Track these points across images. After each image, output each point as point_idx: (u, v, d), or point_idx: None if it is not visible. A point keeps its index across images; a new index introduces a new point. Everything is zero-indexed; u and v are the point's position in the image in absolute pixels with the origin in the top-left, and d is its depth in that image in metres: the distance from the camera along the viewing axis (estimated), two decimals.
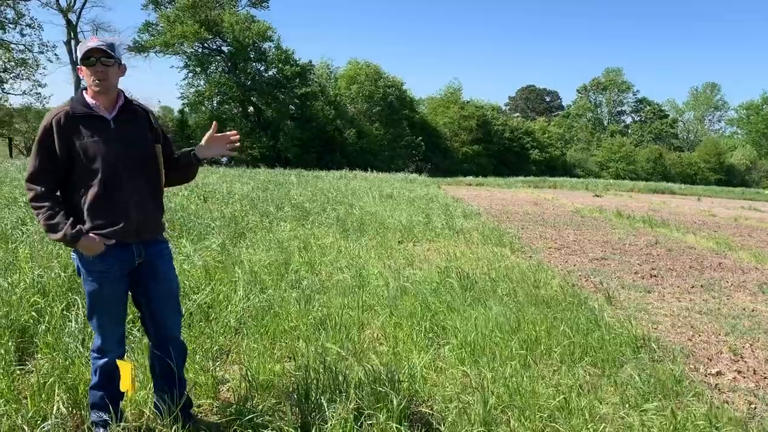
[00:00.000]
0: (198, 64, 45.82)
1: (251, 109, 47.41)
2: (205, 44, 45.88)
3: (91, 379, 3.10)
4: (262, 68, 47.43)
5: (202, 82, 46.67)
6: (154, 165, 3.03)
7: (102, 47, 2.83)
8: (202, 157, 3.17)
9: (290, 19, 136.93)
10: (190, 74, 46.42)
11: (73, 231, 2.78)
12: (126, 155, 2.90)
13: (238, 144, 3.22)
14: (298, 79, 46.98)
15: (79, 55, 2.86)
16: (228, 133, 3.21)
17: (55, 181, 2.86)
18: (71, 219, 2.81)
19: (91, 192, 2.84)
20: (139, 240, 2.98)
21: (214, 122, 3.27)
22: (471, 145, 56.58)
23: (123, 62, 3.01)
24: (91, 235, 2.82)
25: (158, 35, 45.07)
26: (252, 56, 46.43)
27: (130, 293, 3.11)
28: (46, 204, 2.80)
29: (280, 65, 46.23)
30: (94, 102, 2.90)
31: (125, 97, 3.03)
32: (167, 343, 3.13)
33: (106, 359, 3.01)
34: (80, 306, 4.41)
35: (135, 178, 2.93)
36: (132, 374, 2.91)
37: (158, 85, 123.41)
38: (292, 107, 47.71)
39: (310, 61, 51.74)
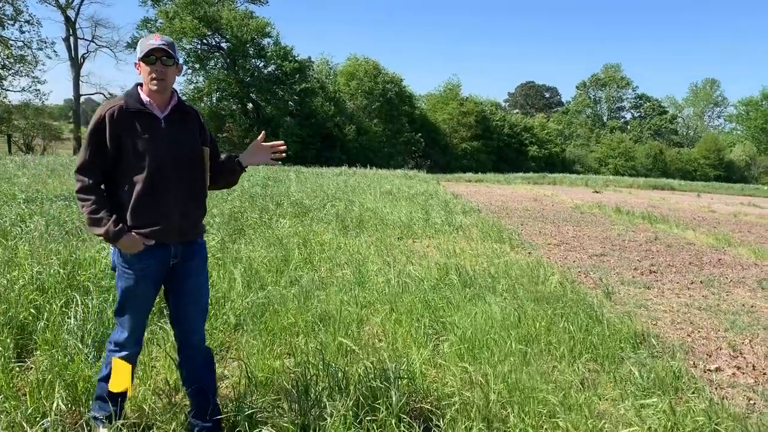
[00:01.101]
0: (197, 60, 45.77)
1: (250, 105, 47.35)
2: (204, 40, 45.79)
3: (101, 371, 3.08)
4: (261, 64, 47.39)
5: (201, 79, 46.62)
6: (200, 167, 3.04)
7: (164, 47, 2.85)
8: (246, 164, 3.22)
9: (289, 15, 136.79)
10: (189, 70, 46.35)
11: (116, 229, 2.78)
12: (174, 155, 2.91)
13: (283, 155, 3.27)
14: (297, 75, 46.92)
15: (140, 51, 2.86)
16: (275, 142, 3.26)
17: (102, 174, 2.87)
18: (114, 216, 2.82)
19: (136, 189, 2.85)
20: (180, 241, 2.98)
21: (263, 131, 3.30)
22: (470, 142, 56.52)
23: (180, 62, 3.02)
24: (132, 234, 2.83)
25: (157, 31, 44.99)
26: (251, 52, 46.36)
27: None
28: (92, 197, 2.80)
29: (279, 61, 46.18)
30: (148, 99, 2.91)
31: (178, 97, 3.04)
32: (191, 345, 3.12)
33: (124, 353, 3.00)
34: (79, 303, 4.40)
35: (181, 179, 2.94)
36: (129, 374, 2.91)
37: None
38: (292, 103, 47.64)
39: (309, 57, 51.80)
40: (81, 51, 46.31)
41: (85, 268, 5.54)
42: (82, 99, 47.61)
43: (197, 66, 46.06)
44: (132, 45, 45.77)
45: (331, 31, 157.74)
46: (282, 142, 3.27)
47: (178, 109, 2.99)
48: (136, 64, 2.91)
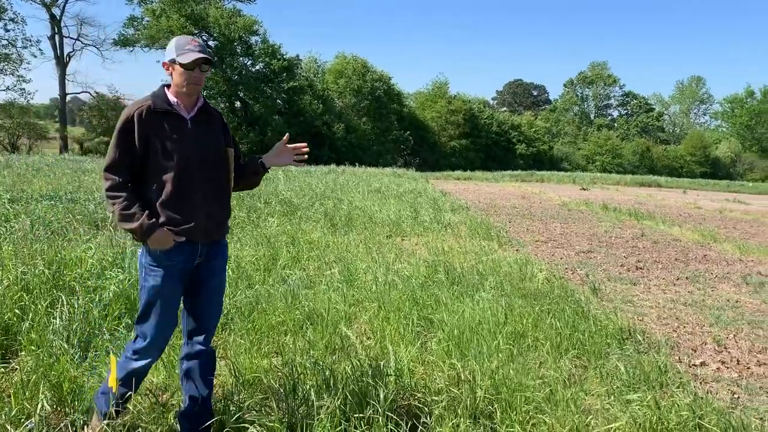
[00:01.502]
0: None
1: (238, 103, 47.17)
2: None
3: (117, 373, 2.97)
4: (249, 62, 47.20)
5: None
6: (225, 168, 3.06)
7: (209, 57, 2.90)
8: (270, 165, 3.24)
9: (277, 14, 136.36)
10: None
11: (149, 222, 2.79)
12: (200, 156, 2.93)
13: (306, 156, 3.29)
14: (285, 74, 46.78)
15: (177, 53, 2.86)
16: (299, 144, 3.28)
17: (131, 173, 2.87)
18: (147, 211, 2.82)
19: (164, 189, 2.86)
20: (206, 240, 3.01)
21: (287, 134, 3.31)
22: (459, 140, 56.64)
23: None
24: (164, 229, 2.84)
25: (143, 29, 44.72)
26: (238, 50, 46.17)
27: None
28: (123, 194, 2.81)
29: (267, 59, 46.02)
30: (175, 100, 2.93)
31: (204, 98, 3.06)
32: (201, 343, 3.10)
33: (146, 361, 2.96)
34: (65, 303, 4.37)
35: (207, 179, 2.96)
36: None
37: (144, 80, 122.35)
38: (280, 102, 47.51)
39: (298, 56, 51.63)
40: (66, 49, 46.00)
41: (71, 268, 5.50)
42: (68, 98, 47.19)
43: None
44: (118, 43, 45.47)
45: (319, 29, 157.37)
46: (305, 144, 3.30)
47: (203, 110, 3.02)
48: (165, 63, 2.91)
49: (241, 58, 46.59)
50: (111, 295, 4.85)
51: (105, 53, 47.92)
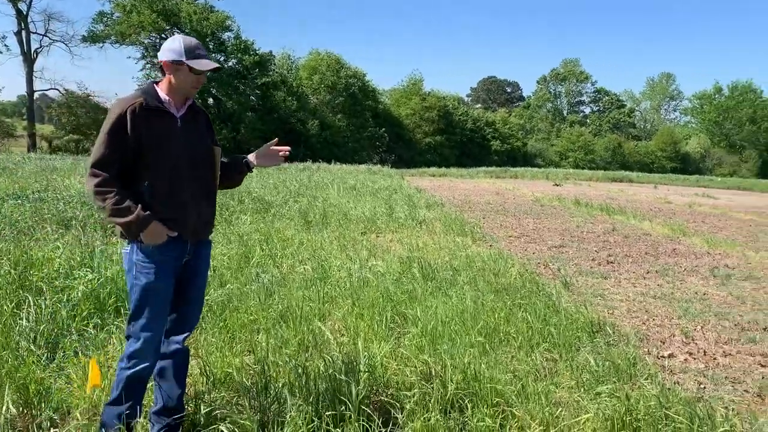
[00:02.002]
0: (156, 54, 44.85)
1: (211, 100, 46.68)
2: (163, 35, 44.90)
3: (111, 394, 2.92)
4: (222, 59, 46.73)
5: (159, 74, 45.70)
6: (211, 166, 3.07)
7: (218, 66, 2.98)
8: (256, 165, 3.27)
9: (250, 10, 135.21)
10: (149, 65, 45.43)
11: (145, 214, 2.76)
12: (189, 154, 2.93)
13: (287, 156, 3.34)
14: (258, 69, 46.44)
15: (187, 57, 2.87)
16: (284, 147, 3.31)
17: (120, 169, 2.81)
18: (140, 204, 2.79)
19: (155, 187, 2.84)
20: (195, 239, 3.00)
21: (275, 138, 3.34)
22: (434, 136, 56.82)
23: None
24: (158, 222, 2.81)
25: (113, 25, 43.97)
26: (211, 47, 45.67)
27: None
28: (114, 189, 2.75)
29: (239, 55, 45.62)
30: (167, 98, 2.91)
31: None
32: (178, 341, 3.08)
33: (143, 365, 2.88)
34: (31, 304, 4.29)
35: (195, 178, 2.97)
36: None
37: (115, 77, 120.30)
38: (253, 98, 47.15)
39: (271, 52, 51.22)
40: (34, 45, 44.99)
41: (38, 268, 5.41)
42: (36, 95, 46.19)
43: (156, 61, 45.17)
44: (87, 39, 44.65)
45: (292, 25, 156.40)
46: (288, 148, 3.33)
47: (191, 108, 3.02)
48: (167, 63, 2.89)
49: (213, 54, 46.11)
50: (80, 295, 4.79)
51: (74, 49, 46.87)
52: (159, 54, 2.93)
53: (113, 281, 5.09)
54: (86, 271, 5.27)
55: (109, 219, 2.79)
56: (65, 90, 43.51)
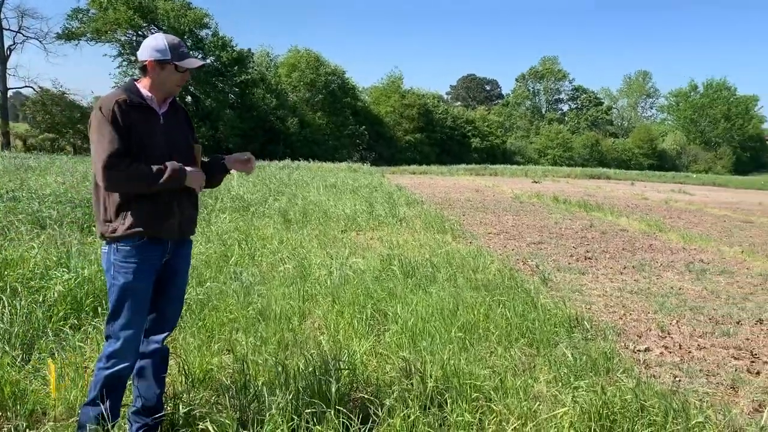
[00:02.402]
0: (133, 52, 44.30)
1: (189, 98, 46.27)
2: (140, 32, 44.40)
3: (88, 394, 2.88)
4: (200, 56, 46.33)
5: (136, 71, 45.15)
6: (192, 164, 3.03)
7: (204, 63, 3.01)
8: (230, 168, 3.26)
9: (228, 8, 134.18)
10: (125, 63, 44.88)
11: (179, 165, 2.81)
12: (172, 151, 2.90)
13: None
14: (236, 67, 46.13)
15: (172, 55, 2.86)
16: (252, 163, 3.31)
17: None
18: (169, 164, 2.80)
19: None
20: (180, 237, 3.00)
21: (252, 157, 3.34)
22: (414, 134, 56.90)
23: None
24: (192, 168, 2.89)
25: (89, 22, 43.33)
26: (189, 44, 45.25)
27: None
28: (135, 166, 2.71)
29: (218, 52, 45.26)
30: (149, 95, 2.88)
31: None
32: (158, 341, 3.06)
33: (122, 365, 2.85)
34: (6, 304, 4.23)
35: None
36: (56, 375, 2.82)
37: (91, 74, 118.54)
38: (232, 96, 46.85)
39: (249, 49, 50.87)
40: (7, 42, 44.27)
41: (13, 268, 5.33)
42: (9, 93, 45.49)
43: (133, 58, 44.58)
44: (62, 36, 43.97)
45: (271, 23, 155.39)
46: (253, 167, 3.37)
47: (173, 105, 3.01)
48: (151, 62, 2.85)
49: (191, 52, 45.63)
50: (56, 295, 4.73)
51: (48, 47, 46.02)
52: (141, 54, 2.88)
53: (90, 281, 5.04)
54: (62, 271, 5.21)
55: (154, 186, 2.76)
56: (40, 88, 42.77)
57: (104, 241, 2.86)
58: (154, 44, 2.87)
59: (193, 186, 2.90)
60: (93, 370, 3.43)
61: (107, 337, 2.89)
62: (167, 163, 2.78)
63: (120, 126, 2.72)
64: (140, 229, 2.79)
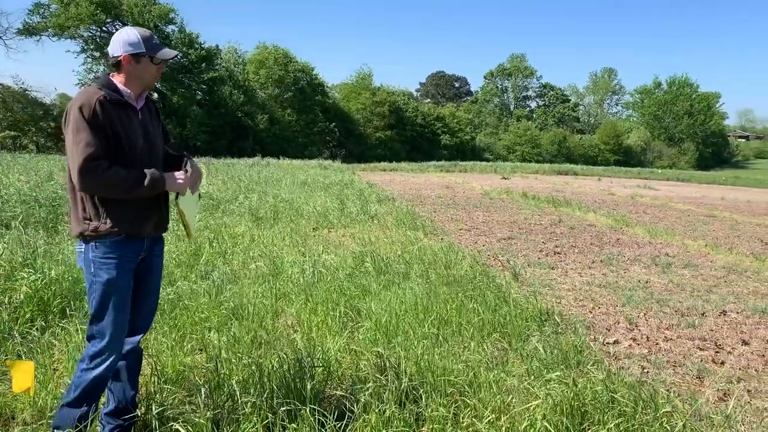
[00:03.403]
0: (97, 48, 43.41)
1: (155, 95, 45.52)
2: (104, 27, 43.48)
3: (66, 396, 2.83)
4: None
5: (101, 68, 44.28)
6: (164, 160, 3.03)
7: (177, 53, 3.05)
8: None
9: (195, 3, 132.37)
10: (89, 59, 43.94)
11: (158, 173, 2.78)
12: (149, 147, 2.88)
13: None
14: (204, 64, 45.56)
15: (147, 48, 2.83)
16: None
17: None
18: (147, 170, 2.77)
19: None
20: (156, 234, 3.00)
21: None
22: (384, 131, 56.92)
23: None
24: (169, 173, 2.88)
25: (51, 17, 42.27)
26: (155, 39, 44.48)
27: None
28: (114, 168, 2.66)
29: (184, 49, 44.60)
30: (127, 90, 2.83)
31: None
32: (132, 342, 3.02)
33: (107, 364, 2.81)
34: None
35: None
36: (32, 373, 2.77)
37: (54, 70, 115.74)
38: (199, 93, 46.23)
39: (217, 46, 50.26)
40: None
41: None
42: None
43: (97, 54, 43.71)
44: (24, 32, 42.82)
45: (238, 19, 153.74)
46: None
47: (147, 100, 2.99)
48: (127, 57, 2.80)
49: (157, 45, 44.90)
50: (22, 296, 4.63)
51: (9, 42, 44.75)
52: (113, 49, 2.82)
53: (58, 282, 4.95)
54: (29, 271, 5.09)
55: (135, 194, 2.74)
56: (0, 85, 41.65)
57: (79, 240, 2.80)
58: (126, 38, 2.81)
59: (173, 190, 2.89)
60: (64, 372, 3.38)
61: (90, 338, 2.83)
62: (147, 171, 2.74)
63: (100, 126, 2.66)
64: (123, 228, 2.76)
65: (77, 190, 2.71)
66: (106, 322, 2.80)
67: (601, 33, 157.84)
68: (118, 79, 2.84)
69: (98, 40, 43.43)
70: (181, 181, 2.91)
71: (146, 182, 2.72)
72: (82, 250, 2.80)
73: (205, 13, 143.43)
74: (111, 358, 2.82)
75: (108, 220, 2.73)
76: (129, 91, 2.84)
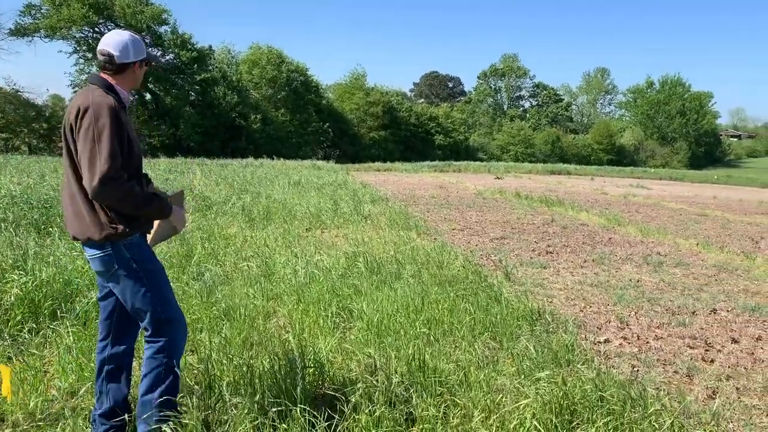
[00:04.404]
0: (89, 49, 43.17)
1: (148, 96, 45.39)
2: (96, 28, 43.28)
3: (149, 390, 2.89)
4: (159, 53, 45.42)
5: (94, 69, 44.08)
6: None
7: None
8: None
9: (187, 3, 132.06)
10: (81, 60, 43.72)
11: (168, 202, 2.93)
12: (140, 148, 2.93)
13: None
14: (196, 65, 45.45)
15: (147, 53, 2.97)
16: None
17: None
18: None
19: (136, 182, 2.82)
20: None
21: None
22: (378, 131, 56.93)
23: None
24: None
25: (43, 18, 42.05)
26: (147, 41, 44.34)
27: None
28: (132, 182, 2.72)
29: (177, 50, 44.47)
30: (125, 93, 2.90)
31: None
32: (128, 343, 3.09)
33: (181, 346, 3.01)
34: None
35: (143, 171, 2.98)
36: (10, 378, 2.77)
37: (46, 71, 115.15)
38: (192, 93, 46.09)
39: (210, 46, 50.10)
40: None
41: None
42: None
43: (89, 55, 43.47)
44: (15, 32, 42.59)
45: (232, 20, 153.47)
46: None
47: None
48: (137, 63, 2.92)
49: (150, 49, 44.72)
50: (12, 298, 4.62)
51: (0, 43, 44.51)
52: (122, 55, 2.82)
53: (49, 284, 4.93)
54: (19, 273, 5.08)
55: (143, 212, 2.81)
56: None
57: (98, 244, 2.78)
58: (134, 44, 2.88)
59: (174, 224, 3.00)
60: (54, 374, 3.38)
61: (156, 331, 2.88)
62: (159, 194, 2.87)
63: (120, 134, 2.68)
64: (146, 226, 2.91)
65: (91, 197, 2.66)
66: (171, 308, 2.92)
67: (593, 33, 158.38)
68: (114, 81, 2.85)
69: (90, 41, 43.19)
70: (184, 221, 3.06)
71: (155, 206, 2.82)
72: (108, 252, 2.78)
73: (198, 14, 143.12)
74: (183, 339, 3.02)
75: (133, 221, 2.80)
76: (126, 93, 2.89)
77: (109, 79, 2.84)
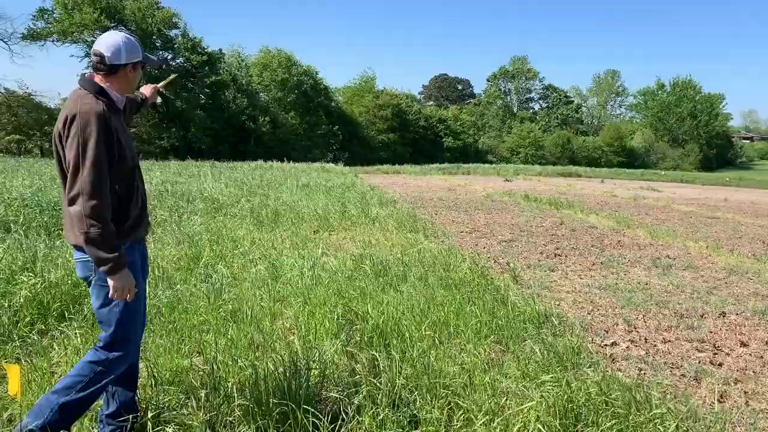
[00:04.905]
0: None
1: (159, 99, 45.57)
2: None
3: (64, 391, 2.77)
4: (169, 57, 45.77)
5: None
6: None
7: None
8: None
9: (198, 7, 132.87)
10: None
11: (124, 265, 2.66)
12: (136, 150, 2.94)
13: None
14: (207, 68, 45.73)
15: (143, 56, 2.91)
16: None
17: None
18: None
19: (128, 187, 2.81)
20: (144, 237, 3.05)
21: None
22: (387, 134, 57.03)
23: None
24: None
25: (55, 23, 42.46)
26: (158, 44, 44.70)
27: None
28: (107, 217, 2.60)
29: (187, 54, 44.77)
30: (119, 96, 2.87)
31: None
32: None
33: (122, 368, 2.90)
34: None
35: (139, 172, 2.96)
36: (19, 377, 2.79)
37: (58, 75, 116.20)
38: (203, 97, 46.38)
39: (220, 50, 50.46)
40: None
41: None
42: None
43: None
44: (28, 37, 43.01)
45: (242, 23, 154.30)
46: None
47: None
48: (129, 65, 2.85)
49: (160, 52, 45.11)
50: (22, 300, 4.66)
51: (14, 47, 44.91)
52: (115, 56, 2.77)
53: (58, 286, 4.98)
54: (29, 275, 5.13)
55: (92, 249, 2.58)
56: (5, 89, 41.80)
57: (80, 249, 2.76)
58: (129, 46, 2.82)
59: (116, 282, 2.65)
60: (62, 375, 3.41)
61: (108, 345, 2.82)
62: (119, 252, 2.62)
63: (109, 141, 2.62)
64: (135, 233, 2.84)
65: (69, 206, 2.61)
66: (132, 327, 2.87)
67: (604, 35, 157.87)
68: (106, 84, 2.80)
69: None
70: (130, 285, 2.71)
71: (114, 258, 2.60)
72: (88, 258, 2.70)
73: (209, 18, 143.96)
74: (126, 364, 2.90)
75: (119, 229, 2.71)
76: (120, 96, 2.86)
77: (102, 81, 2.79)
